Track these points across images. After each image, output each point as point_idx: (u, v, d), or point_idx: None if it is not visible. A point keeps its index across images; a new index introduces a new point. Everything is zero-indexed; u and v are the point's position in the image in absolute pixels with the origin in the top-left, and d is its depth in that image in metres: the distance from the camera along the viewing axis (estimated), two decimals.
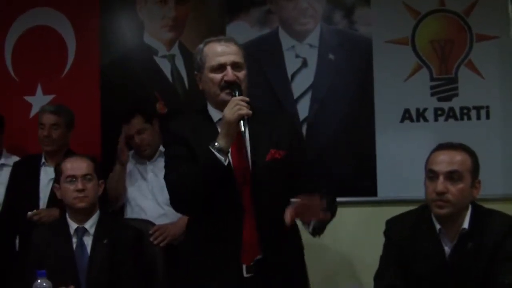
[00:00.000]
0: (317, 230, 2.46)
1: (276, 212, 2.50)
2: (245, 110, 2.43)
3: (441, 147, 2.57)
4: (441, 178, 2.45)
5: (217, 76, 2.58)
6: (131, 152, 3.96)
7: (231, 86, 2.54)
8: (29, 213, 3.51)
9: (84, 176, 3.04)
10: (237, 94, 2.51)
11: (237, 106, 2.43)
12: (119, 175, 3.84)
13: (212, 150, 2.44)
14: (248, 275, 2.54)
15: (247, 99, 2.49)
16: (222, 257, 2.55)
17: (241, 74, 2.59)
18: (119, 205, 3.90)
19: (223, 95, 2.56)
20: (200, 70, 2.65)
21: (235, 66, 2.58)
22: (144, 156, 3.90)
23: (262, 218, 2.55)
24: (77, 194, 3.01)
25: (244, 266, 2.54)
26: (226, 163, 2.44)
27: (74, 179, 3.04)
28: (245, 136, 2.56)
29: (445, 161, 2.49)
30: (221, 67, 2.58)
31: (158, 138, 3.86)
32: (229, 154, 2.52)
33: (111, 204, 3.83)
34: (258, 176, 2.55)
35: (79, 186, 3.01)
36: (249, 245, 2.53)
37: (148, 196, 3.83)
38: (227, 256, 2.54)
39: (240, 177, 2.55)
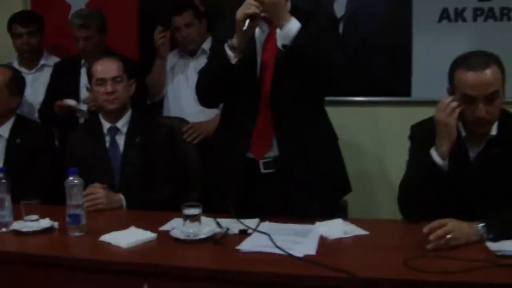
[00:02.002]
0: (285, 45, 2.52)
1: (294, 107, 2.63)
2: (252, 10, 2.46)
3: (469, 66, 2.39)
4: (481, 104, 2.36)
5: None
6: (176, 49, 4.05)
7: None
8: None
9: (113, 79, 3.08)
10: None
11: (246, 5, 2.47)
12: (160, 69, 3.96)
13: (225, 47, 2.53)
14: (266, 171, 2.67)
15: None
16: (233, 149, 2.69)
17: None
18: (159, 98, 4.01)
19: None
20: None
21: None
22: (187, 51, 3.98)
23: (279, 112, 2.64)
24: (107, 97, 3.07)
25: (260, 162, 2.66)
26: (235, 61, 2.53)
27: (103, 82, 3.09)
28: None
29: (481, 84, 2.35)
30: None
31: (202, 37, 3.94)
32: (260, 47, 2.65)
33: (150, 98, 3.96)
34: (279, 67, 2.62)
35: (109, 88, 3.06)
36: (260, 139, 2.65)
37: (188, 92, 3.89)
38: (237, 148, 2.68)
39: (266, 69, 2.64)
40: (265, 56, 2.66)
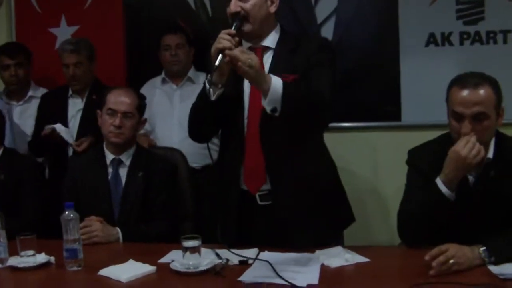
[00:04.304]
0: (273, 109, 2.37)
1: (282, 139, 2.54)
2: (222, 44, 2.36)
3: (463, 84, 2.40)
4: (466, 121, 2.36)
5: (228, 9, 2.55)
6: (158, 77, 4.08)
7: (233, 18, 2.51)
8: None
9: (124, 113, 3.02)
10: (234, 27, 2.47)
11: (218, 40, 2.39)
12: None
13: (205, 82, 2.49)
14: (263, 203, 2.62)
15: (233, 32, 2.43)
16: (227, 185, 2.67)
17: (248, 4, 2.52)
18: None
19: None
20: None
21: None
22: (171, 73, 4.01)
23: (268, 145, 2.58)
24: (112, 129, 3.02)
25: (257, 195, 2.62)
26: (213, 96, 2.45)
27: (114, 113, 3.03)
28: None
29: (470, 102, 2.35)
30: None
31: (188, 64, 4.03)
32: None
33: None
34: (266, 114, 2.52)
35: (117, 122, 3.01)
36: (252, 173, 2.60)
37: (174, 121, 3.93)
38: (231, 182, 2.65)
39: (254, 105, 2.59)
40: (252, 89, 2.59)
